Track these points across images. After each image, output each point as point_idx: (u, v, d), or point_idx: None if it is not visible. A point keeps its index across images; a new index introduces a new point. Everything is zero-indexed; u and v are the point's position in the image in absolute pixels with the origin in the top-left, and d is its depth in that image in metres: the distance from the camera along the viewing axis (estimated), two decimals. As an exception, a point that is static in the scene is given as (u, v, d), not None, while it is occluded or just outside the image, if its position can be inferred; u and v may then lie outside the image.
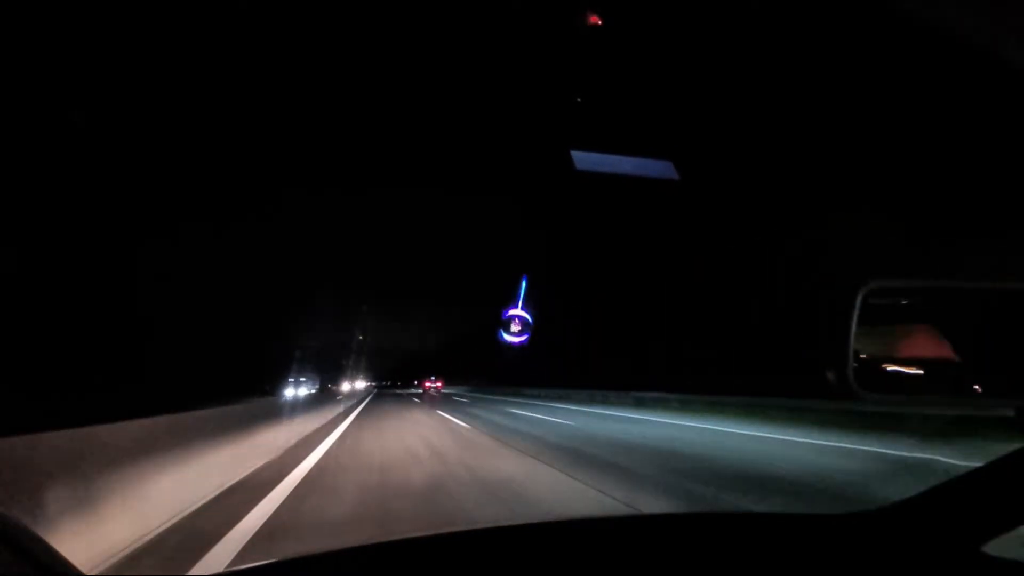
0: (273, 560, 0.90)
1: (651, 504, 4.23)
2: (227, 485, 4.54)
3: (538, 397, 29.23)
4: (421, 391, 45.51)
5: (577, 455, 7.02)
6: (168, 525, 3.28)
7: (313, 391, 23.41)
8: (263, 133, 14.02)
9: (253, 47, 9.56)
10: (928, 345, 1.08)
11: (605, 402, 21.01)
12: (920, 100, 6.28)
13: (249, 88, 11.51)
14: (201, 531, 3.25)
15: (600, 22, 6.66)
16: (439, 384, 47.85)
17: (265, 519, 3.61)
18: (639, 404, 18.44)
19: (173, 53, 9.07)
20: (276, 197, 18.20)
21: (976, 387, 1.03)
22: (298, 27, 9.21)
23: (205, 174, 14.59)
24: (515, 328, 18.51)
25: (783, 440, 8.72)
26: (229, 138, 13.47)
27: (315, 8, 8.70)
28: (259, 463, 5.76)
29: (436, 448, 7.69)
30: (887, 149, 7.60)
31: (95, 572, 2.39)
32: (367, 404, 24.01)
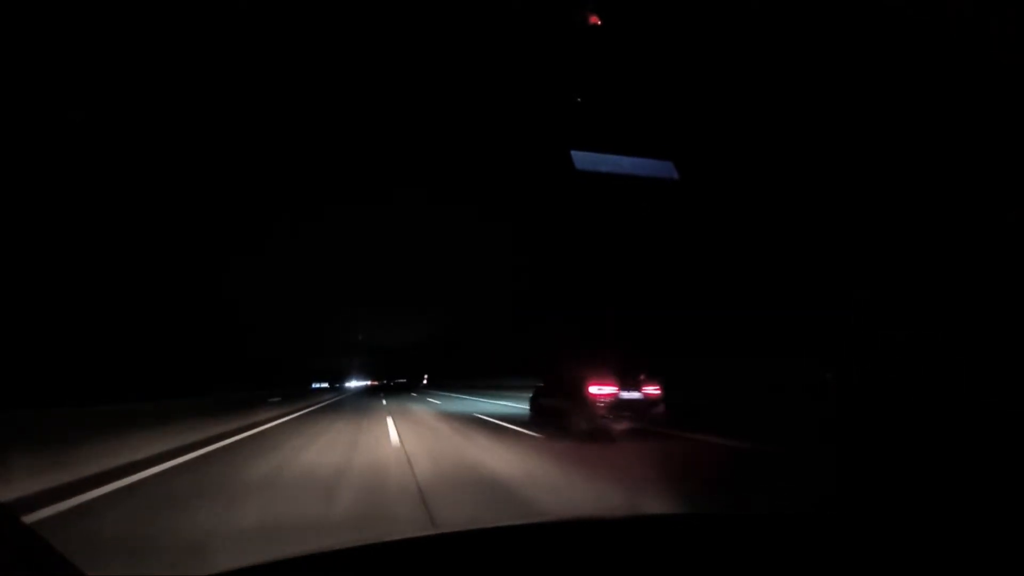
0: (273, 560, 0.89)
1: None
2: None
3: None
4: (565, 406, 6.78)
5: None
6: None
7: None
8: (261, 147, 14.05)
9: (250, 54, 9.57)
10: (926, 345, 1.08)
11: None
12: (920, 99, 6.27)
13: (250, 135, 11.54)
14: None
15: (600, 22, 6.67)
16: (658, 390, 6.33)
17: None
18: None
19: (179, 65, 9.08)
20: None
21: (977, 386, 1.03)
22: (293, 37, 9.22)
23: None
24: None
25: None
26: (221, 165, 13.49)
27: (314, 10, 8.70)
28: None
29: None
30: (887, 148, 7.59)
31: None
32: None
